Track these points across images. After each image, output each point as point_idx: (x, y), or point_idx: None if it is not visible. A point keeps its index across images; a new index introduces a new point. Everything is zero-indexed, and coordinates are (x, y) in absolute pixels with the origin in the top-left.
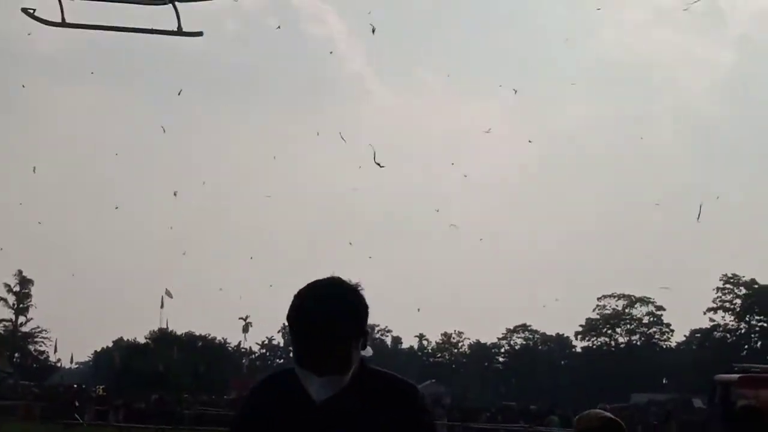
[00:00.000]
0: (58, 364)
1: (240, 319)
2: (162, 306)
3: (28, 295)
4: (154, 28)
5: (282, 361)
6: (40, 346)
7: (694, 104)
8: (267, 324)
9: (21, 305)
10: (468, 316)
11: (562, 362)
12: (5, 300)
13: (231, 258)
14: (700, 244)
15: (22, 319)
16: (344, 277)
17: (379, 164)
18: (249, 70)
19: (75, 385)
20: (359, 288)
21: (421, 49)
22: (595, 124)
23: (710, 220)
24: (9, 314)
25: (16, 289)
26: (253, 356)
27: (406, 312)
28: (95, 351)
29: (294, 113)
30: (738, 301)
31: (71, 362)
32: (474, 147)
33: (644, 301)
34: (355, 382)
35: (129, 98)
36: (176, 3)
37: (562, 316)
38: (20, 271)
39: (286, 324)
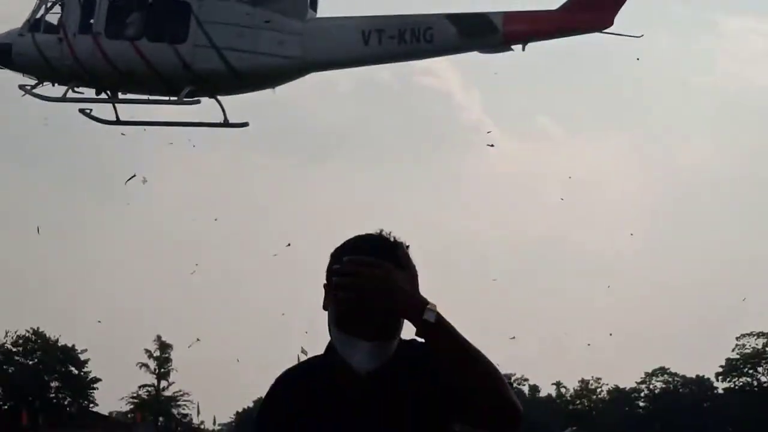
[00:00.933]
0: (202, 426)
1: None
2: (299, 361)
3: (168, 359)
4: (202, 121)
5: None
6: (183, 409)
7: None
8: None
9: (162, 370)
10: (605, 362)
11: (705, 404)
12: (147, 366)
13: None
14: None
15: (164, 383)
16: None
17: None
18: (366, 124)
19: None
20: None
21: (540, 96)
22: (720, 159)
23: None
24: (151, 379)
25: (157, 354)
26: None
27: (544, 359)
28: (237, 412)
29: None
30: None
31: (214, 424)
32: (596, 190)
33: None
34: (396, 353)
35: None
36: (219, 98)
37: (701, 357)
38: (159, 336)
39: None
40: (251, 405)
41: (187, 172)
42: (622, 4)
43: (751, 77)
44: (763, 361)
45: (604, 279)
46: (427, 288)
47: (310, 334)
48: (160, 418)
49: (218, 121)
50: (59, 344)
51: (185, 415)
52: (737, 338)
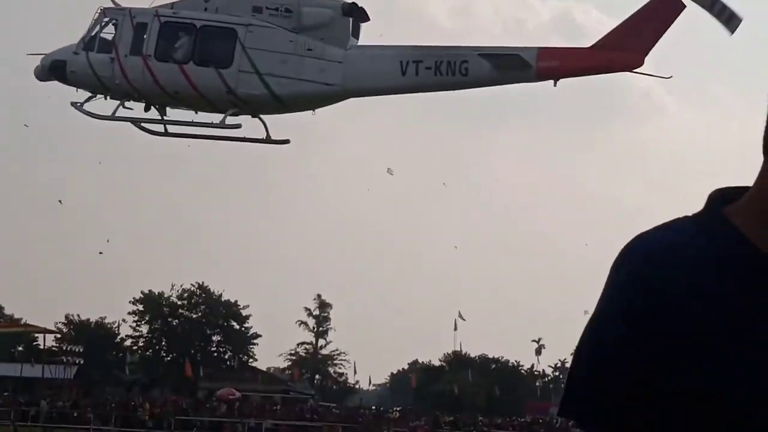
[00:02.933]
0: (357, 386)
1: (533, 341)
2: (455, 328)
3: (327, 319)
4: (246, 136)
5: None
6: (339, 368)
7: None
8: (560, 346)
9: (320, 328)
10: None
11: None
12: (306, 323)
13: (524, 280)
14: None
15: (321, 342)
16: None
17: None
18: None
19: (373, 408)
20: None
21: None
22: None
23: None
24: (310, 337)
25: (316, 312)
26: (546, 379)
27: None
28: (391, 373)
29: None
30: None
31: (369, 384)
32: None
33: None
34: None
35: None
36: (262, 117)
37: None
38: (319, 295)
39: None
40: (406, 367)
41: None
42: (653, 46)
43: None
44: None
45: None
46: None
47: None
48: (317, 376)
49: (260, 137)
50: (222, 299)
51: (341, 374)
52: None
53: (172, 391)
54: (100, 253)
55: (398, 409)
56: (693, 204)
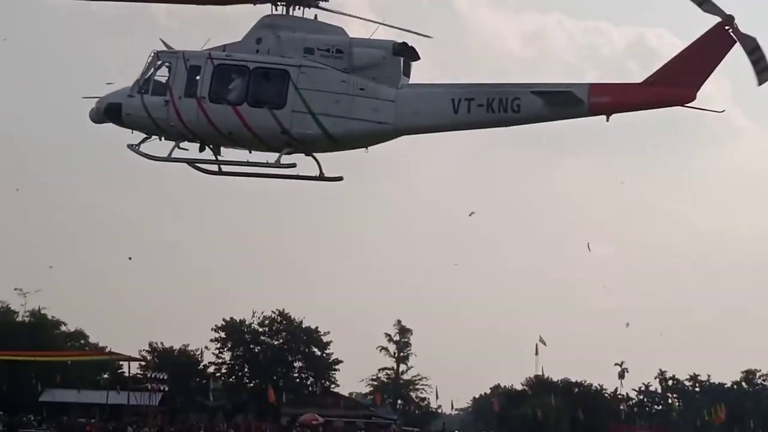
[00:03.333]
0: (439, 411)
1: (615, 365)
2: (537, 353)
3: (408, 344)
4: (299, 174)
5: (660, 407)
6: (421, 393)
7: None
8: (643, 370)
9: (401, 354)
10: None
11: None
12: (387, 349)
13: (606, 305)
14: None
15: (402, 367)
16: None
17: None
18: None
19: (458, 430)
20: None
21: None
22: None
23: None
24: (391, 362)
25: (396, 338)
26: (630, 402)
27: None
28: (474, 397)
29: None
30: None
31: (452, 408)
32: None
33: None
34: None
35: None
36: (316, 155)
37: None
38: (399, 321)
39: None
40: (488, 391)
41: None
42: (705, 80)
43: None
44: None
45: None
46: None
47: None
48: (399, 401)
49: (314, 175)
50: (303, 326)
51: (423, 399)
52: None
53: (256, 417)
54: (129, 258)
55: None
56: None
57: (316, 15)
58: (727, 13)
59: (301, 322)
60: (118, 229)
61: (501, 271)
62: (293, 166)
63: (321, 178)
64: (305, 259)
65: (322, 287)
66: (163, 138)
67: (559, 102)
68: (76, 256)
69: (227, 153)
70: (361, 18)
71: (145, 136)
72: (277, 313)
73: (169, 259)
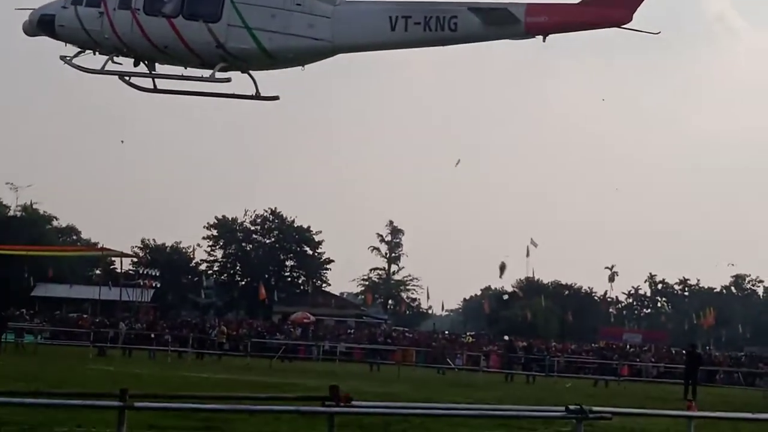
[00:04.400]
0: (430, 311)
1: (606, 268)
2: (528, 255)
3: (400, 245)
4: (235, 93)
5: (649, 310)
6: (412, 293)
7: None
8: (633, 273)
9: (393, 254)
10: None
11: None
12: (378, 249)
13: (598, 207)
14: None
15: (394, 267)
16: None
17: None
18: None
19: (446, 332)
20: None
21: None
22: None
23: None
24: (382, 263)
25: (388, 238)
26: (620, 306)
27: None
28: (464, 299)
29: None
30: None
31: (442, 309)
32: None
33: None
34: None
35: None
36: (252, 73)
37: None
38: (391, 221)
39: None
40: (478, 293)
41: None
42: (641, 2)
43: None
44: None
45: None
46: None
47: None
48: (390, 301)
49: (250, 94)
50: (295, 225)
51: (414, 300)
52: None
53: (247, 315)
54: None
55: (471, 334)
56: None
57: None
58: None
59: (293, 221)
60: (111, 125)
61: (494, 175)
62: (228, 80)
63: (257, 97)
64: (298, 159)
65: (314, 187)
66: (96, 52)
67: (495, 20)
68: (70, 150)
69: (161, 69)
70: None
71: (79, 49)
72: (269, 211)
73: (162, 156)
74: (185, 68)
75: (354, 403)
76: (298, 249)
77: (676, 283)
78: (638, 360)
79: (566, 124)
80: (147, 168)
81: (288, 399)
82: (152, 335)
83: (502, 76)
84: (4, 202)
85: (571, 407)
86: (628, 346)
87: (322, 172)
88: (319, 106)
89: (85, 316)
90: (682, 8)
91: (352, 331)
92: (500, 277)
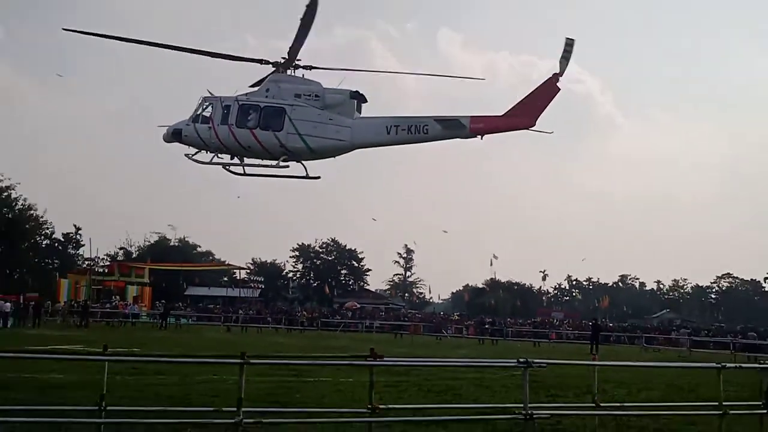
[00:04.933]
0: (431, 300)
1: (540, 272)
2: (491, 264)
3: (412, 259)
4: (293, 174)
5: (567, 298)
6: (420, 289)
7: None
8: (558, 275)
9: (408, 265)
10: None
11: (756, 298)
12: (398, 262)
13: (533, 232)
14: None
15: (408, 273)
16: None
17: None
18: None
19: (441, 313)
20: None
21: (655, 92)
22: None
23: None
24: (401, 270)
25: (405, 255)
26: (549, 295)
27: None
28: (452, 292)
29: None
30: None
31: (438, 299)
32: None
33: None
34: None
35: None
36: (303, 162)
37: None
38: (406, 245)
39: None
40: (461, 288)
41: None
42: (541, 113)
43: None
44: None
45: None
46: None
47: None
48: (406, 294)
49: (302, 175)
50: (347, 248)
51: (421, 293)
52: None
53: (318, 304)
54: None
55: (457, 314)
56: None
57: (303, 74)
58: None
59: (345, 246)
60: (226, 189)
61: (467, 221)
62: (287, 167)
63: (306, 177)
64: (348, 208)
65: (358, 225)
66: (207, 151)
67: (451, 127)
68: (207, 205)
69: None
70: (331, 68)
71: (196, 150)
72: (330, 239)
73: (264, 207)
74: (261, 160)
75: (385, 358)
76: (349, 263)
77: (584, 281)
78: (561, 329)
79: (506, 192)
80: (253, 214)
81: (344, 356)
82: (259, 318)
83: (457, 160)
84: (167, 237)
85: (521, 360)
86: (555, 321)
87: (364, 217)
88: (347, 185)
89: (217, 306)
90: (581, 111)
91: (383, 313)
92: (491, 265)
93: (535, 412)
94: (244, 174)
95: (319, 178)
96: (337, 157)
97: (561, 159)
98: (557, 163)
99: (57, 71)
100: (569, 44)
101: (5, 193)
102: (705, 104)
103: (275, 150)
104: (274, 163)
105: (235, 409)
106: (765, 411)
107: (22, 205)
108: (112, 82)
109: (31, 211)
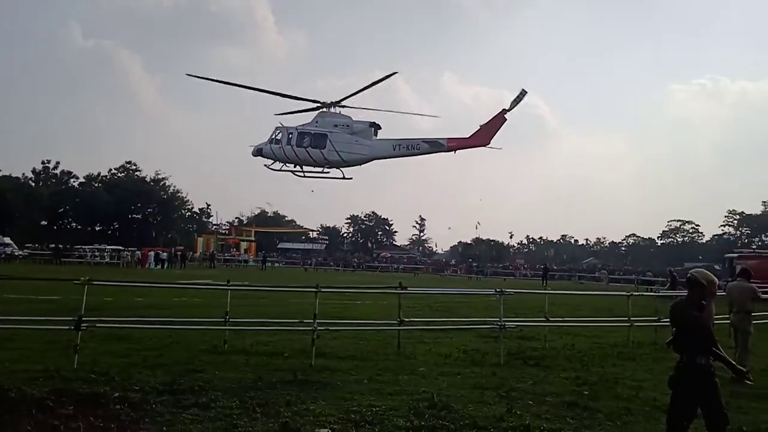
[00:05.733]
0: (437, 251)
1: (508, 232)
2: (476, 227)
3: (424, 226)
4: (335, 176)
5: (527, 250)
6: (429, 244)
7: None
8: (521, 234)
9: (421, 229)
10: (608, 228)
11: (651, 250)
12: (416, 227)
13: (508, 210)
14: None
15: (422, 234)
16: None
17: None
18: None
19: (443, 260)
20: None
21: (585, 113)
22: None
23: None
24: (417, 233)
25: (420, 222)
26: (515, 248)
27: (580, 226)
28: (451, 246)
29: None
30: None
31: (441, 251)
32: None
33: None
34: None
35: None
36: (342, 169)
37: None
38: (420, 215)
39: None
40: (456, 243)
41: None
42: (494, 136)
43: None
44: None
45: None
46: None
47: None
48: (420, 248)
49: (340, 176)
50: (382, 217)
51: (430, 247)
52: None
53: (362, 253)
54: (312, 191)
55: (453, 261)
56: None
57: (339, 110)
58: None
59: (381, 215)
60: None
61: (463, 195)
62: (328, 173)
63: (343, 178)
64: (381, 192)
65: (390, 201)
66: (278, 162)
67: (433, 145)
68: (293, 188)
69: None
70: (358, 107)
71: (272, 161)
72: (371, 212)
73: (329, 191)
74: (313, 168)
75: (409, 288)
76: (383, 227)
77: (538, 238)
78: (523, 270)
79: (486, 179)
80: (321, 195)
81: (381, 287)
82: (325, 263)
83: (457, 163)
84: (265, 210)
85: (497, 290)
86: (518, 266)
87: (392, 196)
88: (364, 184)
89: (298, 255)
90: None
91: (405, 260)
92: (476, 228)
93: (506, 323)
94: (304, 176)
95: (351, 179)
96: (361, 165)
97: (525, 156)
98: (522, 159)
99: (193, 101)
100: (522, 94)
101: (162, 182)
102: (614, 122)
103: (321, 161)
104: (320, 169)
105: (311, 320)
106: (657, 324)
107: (173, 190)
108: (224, 110)
109: (179, 194)
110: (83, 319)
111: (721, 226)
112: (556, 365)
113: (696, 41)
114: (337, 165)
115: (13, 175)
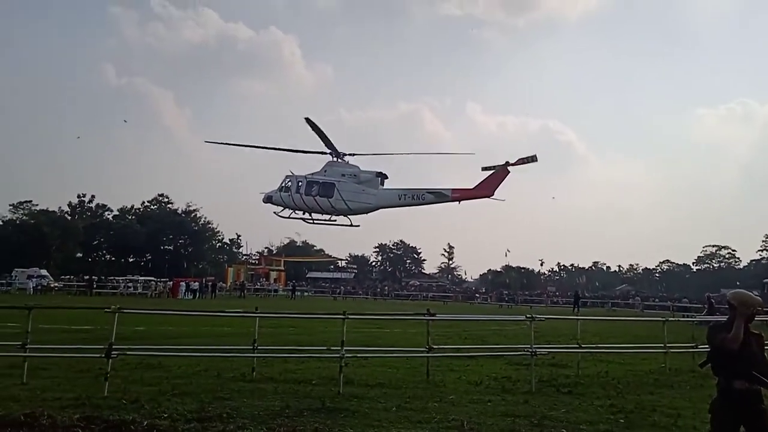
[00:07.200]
0: (466, 279)
1: (539, 260)
2: (506, 255)
3: (453, 254)
4: (342, 223)
5: (558, 278)
6: (458, 272)
7: None
8: (551, 263)
9: (450, 257)
10: (641, 255)
11: (686, 276)
12: (444, 255)
13: (536, 238)
14: None
15: (451, 262)
16: None
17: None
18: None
19: (473, 288)
20: None
21: (612, 141)
22: None
23: None
24: (446, 260)
25: (448, 250)
26: (545, 276)
27: (612, 253)
28: (480, 273)
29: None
30: None
31: (471, 279)
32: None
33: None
34: None
35: None
36: (349, 217)
37: None
38: (449, 243)
39: (560, 262)
40: (486, 271)
41: None
42: (497, 189)
43: None
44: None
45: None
46: None
47: None
48: (449, 276)
49: (348, 224)
50: (410, 245)
51: (459, 275)
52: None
53: (391, 282)
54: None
55: (483, 288)
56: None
57: (347, 160)
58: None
59: (409, 244)
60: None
61: (492, 222)
62: (335, 220)
63: (350, 225)
64: (409, 223)
65: (421, 235)
66: (288, 210)
67: (438, 195)
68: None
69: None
70: (364, 154)
71: (282, 208)
72: (399, 240)
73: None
74: (321, 215)
75: (438, 316)
76: (411, 255)
77: (569, 265)
78: (555, 298)
79: (517, 208)
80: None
81: (409, 315)
82: (354, 292)
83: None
84: (295, 240)
85: (527, 316)
86: (549, 293)
87: (420, 227)
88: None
89: (327, 284)
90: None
91: (434, 288)
92: (506, 256)
93: (537, 350)
94: (313, 223)
95: (359, 226)
96: (368, 214)
97: (552, 184)
98: (550, 187)
99: (223, 133)
100: (532, 159)
101: (193, 213)
102: (642, 147)
103: (329, 209)
104: (328, 217)
105: (339, 348)
106: (694, 350)
107: (204, 221)
108: (253, 142)
109: (210, 225)
110: (113, 347)
111: (759, 251)
112: (590, 393)
113: (724, 65)
114: (345, 213)
115: (50, 209)
